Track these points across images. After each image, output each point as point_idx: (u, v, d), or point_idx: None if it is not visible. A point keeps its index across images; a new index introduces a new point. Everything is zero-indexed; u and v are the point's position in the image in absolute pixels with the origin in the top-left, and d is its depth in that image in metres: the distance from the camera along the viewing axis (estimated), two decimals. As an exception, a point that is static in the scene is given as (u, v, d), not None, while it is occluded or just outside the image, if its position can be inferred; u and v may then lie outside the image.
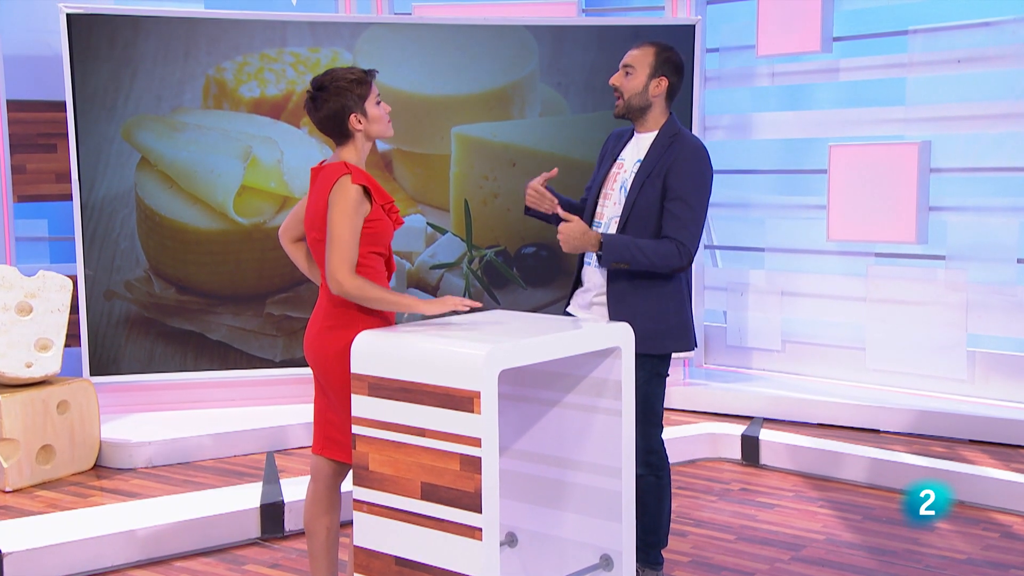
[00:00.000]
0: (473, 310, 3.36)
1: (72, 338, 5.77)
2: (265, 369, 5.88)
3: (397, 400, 3.01)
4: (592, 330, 3.25)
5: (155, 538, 4.21)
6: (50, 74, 5.89)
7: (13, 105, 6.01)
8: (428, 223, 6.04)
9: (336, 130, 3.19)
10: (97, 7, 5.58)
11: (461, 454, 2.89)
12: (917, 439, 5.56)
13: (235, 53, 5.76)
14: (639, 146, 3.62)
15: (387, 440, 3.04)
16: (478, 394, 2.84)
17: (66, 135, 5.64)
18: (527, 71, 6.02)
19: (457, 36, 5.95)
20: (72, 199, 5.63)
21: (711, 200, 6.60)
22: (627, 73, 3.57)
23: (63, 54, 5.52)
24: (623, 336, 3.29)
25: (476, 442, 2.86)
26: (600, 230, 3.62)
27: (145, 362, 5.76)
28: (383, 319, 3.22)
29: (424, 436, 2.96)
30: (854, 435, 5.63)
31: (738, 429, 5.61)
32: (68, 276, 5.39)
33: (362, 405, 3.08)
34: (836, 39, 6.22)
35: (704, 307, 6.83)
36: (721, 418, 5.99)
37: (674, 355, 6.16)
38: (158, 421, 5.63)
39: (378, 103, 3.22)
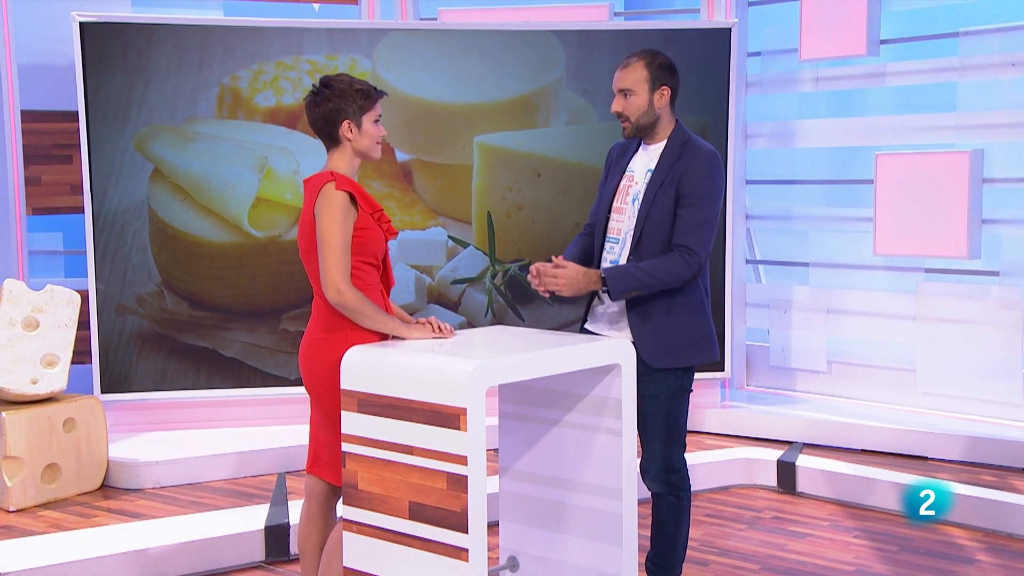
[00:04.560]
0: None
1: (83, 354, 5.97)
2: (280, 387, 6.02)
3: (386, 417, 3.11)
4: (589, 347, 3.33)
5: (155, 560, 4.35)
6: (66, 84, 6.11)
7: (28, 116, 6.24)
8: (449, 236, 6.15)
9: (327, 132, 3.35)
10: (110, 15, 5.80)
11: (448, 472, 2.98)
12: (967, 467, 5.54)
13: (250, 61, 5.93)
14: (649, 156, 3.70)
15: (376, 458, 3.14)
16: (464, 411, 2.94)
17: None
18: (553, 77, 6.12)
19: (480, 42, 6.08)
20: (83, 211, 5.83)
21: (751, 212, 6.75)
22: (626, 96, 3.65)
23: (76, 64, 5.73)
24: (623, 353, 3.37)
25: (462, 460, 2.95)
26: (617, 247, 3.70)
27: (157, 379, 5.94)
28: (375, 332, 3.33)
29: (412, 454, 3.06)
30: (900, 462, 5.62)
31: (775, 454, 5.63)
32: (80, 291, 5.59)
33: (352, 422, 3.20)
34: (883, 42, 6.24)
35: (746, 325, 6.86)
36: (760, 443, 6.01)
37: (712, 376, 6.32)
38: (169, 440, 5.80)
39: (376, 122, 3.36)
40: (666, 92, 3.65)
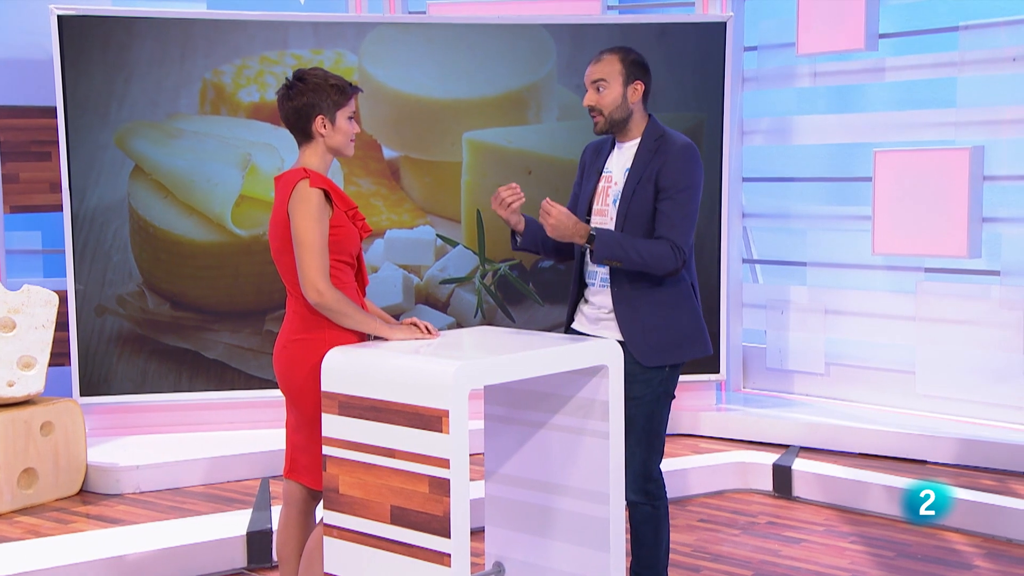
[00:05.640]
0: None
1: (62, 356, 5.98)
2: (264, 390, 6.03)
3: (367, 419, 3.12)
4: (576, 348, 3.35)
5: (135, 566, 4.36)
6: (44, 79, 6.12)
7: (5, 111, 6.25)
8: (438, 235, 6.17)
9: (299, 127, 3.35)
10: (89, 8, 5.80)
11: (430, 476, 2.99)
12: (966, 471, 5.56)
13: (234, 56, 5.95)
14: (624, 155, 3.71)
15: (357, 461, 3.15)
16: (447, 413, 2.95)
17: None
18: (544, 72, 6.14)
19: (469, 36, 6.09)
20: (62, 210, 5.84)
21: (747, 210, 6.78)
22: (599, 89, 3.68)
23: (54, 58, 5.74)
24: (610, 354, 3.38)
25: (445, 463, 2.96)
26: None
27: (138, 382, 5.95)
28: (354, 332, 3.34)
29: (393, 457, 3.07)
30: (898, 466, 5.64)
31: (771, 458, 5.65)
32: (59, 291, 5.60)
33: (332, 425, 3.21)
34: (882, 36, 6.26)
35: (743, 326, 6.89)
36: (756, 446, 6.03)
37: (707, 378, 6.33)
38: (149, 444, 5.81)
39: (350, 119, 3.37)
40: (639, 87, 3.67)
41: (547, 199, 3.57)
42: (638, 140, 3.70)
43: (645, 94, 3.70)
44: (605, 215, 3.71)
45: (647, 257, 3.55)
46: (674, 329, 3.67)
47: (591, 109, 3.71)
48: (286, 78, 3.39)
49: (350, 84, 3.39)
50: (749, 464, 5.64)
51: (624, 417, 3.58)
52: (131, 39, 5.85)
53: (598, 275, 3.72)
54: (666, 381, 3.69)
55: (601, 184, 3.75)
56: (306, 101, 3.32)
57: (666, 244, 3.57)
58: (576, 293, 3.83)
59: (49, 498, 5.30)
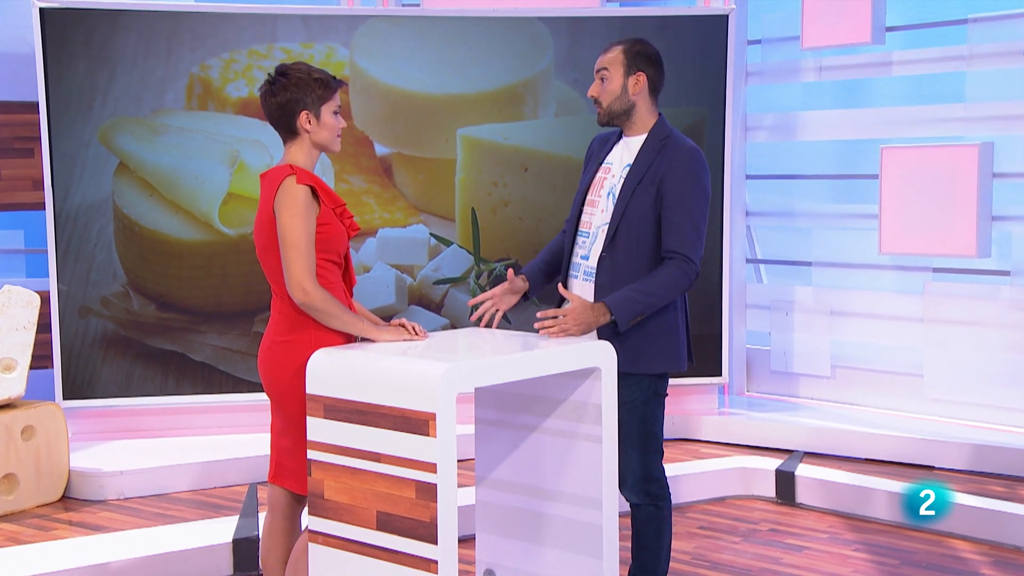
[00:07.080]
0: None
1: (44, 359, 6.00)
2: (252, 393, 6.04)
3: (353, 423, 3.14)
4: (567, 350, 3.37)
5: (118, 575, 4.37)
6: (26, 73, 6.14)
7: (-13, 106, 6.28)
8: (431, 234, 6.19)
9: (283, 123, 3.37)
10: (72, 1, 5.81)
11: (417, 481, 3.01)
12: (975, 477, 5.57)
13: (221, 49, 5.97)
14: (628, 149, 3.74)
15: (343, 466, 3.18)
16: (433, 416, 2.97)
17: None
18: (541, 67, 6.16)
19: (464, 29, 6.11)
20: (45, 208, 5.86)
21: (751, 208, 6.79)
22: (602, 79, 3.72)
23: (36, 52, 5.76)
24: (603, 356, 3.40)
25: (432, 468, 2.98)
26: (588, 241, 3.74)
27: (122, 385, 5.97)
28: (341, 332, 3.36)
29: (380, 461, 3.09)
30: (905, 472, 5.65)
31: (774, 464, 5.66)
32: (41, 291, 5.62)
33: (318, 428, 3.23)
34: (889, 29, 6.28)
35: (746, 327, 6.91)
36: (759, 451, 6.04)
37: (710, 381, 6.35)
38: (134, 449, 5.83)
39: (335, 113, 3.39)
40: (641, 78, 3.69)
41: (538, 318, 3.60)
42: (644, 136, 3.71)
43: (652, 87, 3.71)
44: (596, 206, 3.73)
45: (663, 290, 3.58)
46: (650, 339, 3.67)
47: (594, 100, 3.74)
48: (268, 74, 3.42)
49: (334, 78, 3.41)
50: (752, 470, 5.65)
51: (618, 421, 3.60)
52: (115, 32, 5.87)
53: (581, 268, 3.74)
54: (656, 382, 3.72)
55: (599, 175, 3.78)
56: (289, 97, 3.34)
57: (675, 265, 3.59)
58: (562, 297, 3.85)
59: (30, 504, 5.32)
